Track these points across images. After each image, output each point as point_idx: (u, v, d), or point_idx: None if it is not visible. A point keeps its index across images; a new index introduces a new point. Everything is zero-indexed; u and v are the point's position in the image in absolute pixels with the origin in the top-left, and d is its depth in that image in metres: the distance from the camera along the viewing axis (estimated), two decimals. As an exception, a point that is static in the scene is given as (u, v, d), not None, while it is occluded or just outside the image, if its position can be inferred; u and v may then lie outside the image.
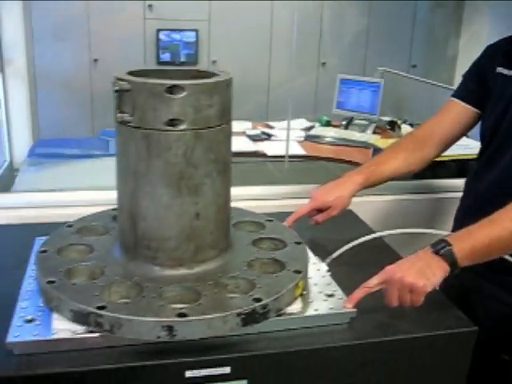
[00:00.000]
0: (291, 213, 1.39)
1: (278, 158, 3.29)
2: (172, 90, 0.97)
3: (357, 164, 3.34)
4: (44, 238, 1.27)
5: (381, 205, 1.87)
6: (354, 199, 1.42)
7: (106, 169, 3.47)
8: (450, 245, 1.09)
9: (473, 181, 1.50)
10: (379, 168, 1.45)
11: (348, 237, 1.28)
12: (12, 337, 0.95)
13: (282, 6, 5.03)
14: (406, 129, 3.72)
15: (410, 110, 4.07)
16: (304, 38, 4.57)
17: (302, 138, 3.71)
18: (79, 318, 0.96)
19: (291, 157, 3.14)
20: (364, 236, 1.25)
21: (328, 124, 3.98)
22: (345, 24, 5.27)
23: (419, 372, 1.08)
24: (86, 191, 1.76)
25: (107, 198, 1.59)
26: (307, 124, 3.96)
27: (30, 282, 1.12)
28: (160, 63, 5.34)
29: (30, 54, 5.09)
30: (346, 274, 1.20)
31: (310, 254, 1.23)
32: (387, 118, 3.92)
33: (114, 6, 5.07)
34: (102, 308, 0.95)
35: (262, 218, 1.32)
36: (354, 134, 3.77)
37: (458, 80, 4.85)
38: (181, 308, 0.96)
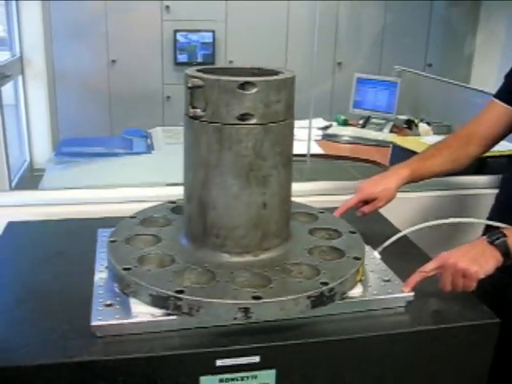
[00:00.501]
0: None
1: (297, 157, 3.34)
2: (244, 86, 1.04)
3: (375, 162, 3.39)
4: (106, 229, 1.33)
5: (402, 202, 1.84)
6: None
7: (131, 167, 3.51)
8: (505, 236, 1.14)
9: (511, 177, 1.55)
10: (425, 163, 1.51)
11: (382, 230, 1.37)
12: (96, 320, 1.01)
13: (298, 7, 5.08)
14: (423, 127, 3.74)
15: (426, 109, 4.12)
16: (320, 38, 4.63)
17: (320, 137, 3.75)
18: (158, 301, 1.02)
19: (312, 155, 3.19)
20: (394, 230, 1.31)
21: (345, 123, 4.02)
22: (360, 23, 5.32)
23: (442, 362, 1.11)
24: (119, 188, 1.81)
25: (142, 194, 1.68)
26: (324, 123, 4.00)
27: (101, 270, 1.19)
28: (177, 64, 5.41)
29: (49, 55, 5.16)
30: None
31: (362, 244, 1.29)
32: (404, 117, 3.96)
33: (131, 8, 5.14)
34: (180, 292, 1.01)
35: (314, 210, 1.38)
36: (371, 133, 3.80)
37: (474, 79, 4.88)
38: (254, 291, 1.02)
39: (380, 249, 1.29)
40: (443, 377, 1.13)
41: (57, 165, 3.43)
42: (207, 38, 5.37)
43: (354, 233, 1.27)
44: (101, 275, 1.17)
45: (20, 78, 5.11)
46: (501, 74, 1.60)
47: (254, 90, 1.04)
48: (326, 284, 1.05)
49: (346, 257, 1.16)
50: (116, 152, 3.50)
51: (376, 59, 5.26)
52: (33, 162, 5.32)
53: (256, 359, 0.99)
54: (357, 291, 1.11)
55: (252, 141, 1.06)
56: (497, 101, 1.54)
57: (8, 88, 4.77)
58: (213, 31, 5.33)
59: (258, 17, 5.16)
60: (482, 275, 1.13)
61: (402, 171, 1.47)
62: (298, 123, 3.91)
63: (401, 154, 2.76)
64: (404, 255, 1.31)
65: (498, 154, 2.28)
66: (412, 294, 1.13)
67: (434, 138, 2.82)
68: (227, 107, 1.04)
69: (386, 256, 1.28)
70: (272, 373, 1.00)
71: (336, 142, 3.72)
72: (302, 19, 5.13)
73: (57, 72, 5.25)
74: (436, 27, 5.35)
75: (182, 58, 5.42)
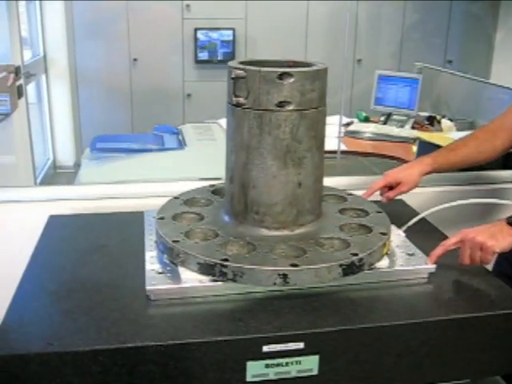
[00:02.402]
0: None
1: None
2: (282, 76, 1.15)
3: (398, 159, 3.44)
4: (151, 211, 1.46)
5: (429, 195, 1.88)
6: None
7: (164, 162, 3.56)
8: None
9: None
10: (449, 154, 1.61)
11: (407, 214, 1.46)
12: (150, 285, 1.14)
13: (317, 4, 5.17)
14: (445, 124, 3.77)
15: (448, 105, 4.16)
16: (339, 36, 4.70)
17: (342, 134, 3.82)
18: (205, 269, 1.14)
19: (332, 152, 3.27)
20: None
21: (366, 120, 4.07)
22: (380, 20, 5.39)
23: (475, 349, 1.15)
24: (153, 183, 1.85)
25: (177, 189, 1.65)
26: (346, 120, 4.06)
27: (150, 244, 1.31)
28: (198, 62, 5.52)
29: (72, 54, 5.27)
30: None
31: (388, 223, 1.39)
32: (425, 114, 3.99)
33: (152, 7, 5.24)
34: (225, 260, 1.12)
35: (343, 192, 1.49)
36: (393, 130, 3.84)
37: (494, 75, 4.89)
38: (292, 260, 1.13)
39: (404, 227, 1.40)
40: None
41: (92, 160, 3.52)
42: (227, 35, 5.46)
43: (380, 212, 1.38)
44: (151, 249, 1.29)
45: (43, 77, 5.26)
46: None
47: (292, 80, 1.16)
48: (355, 255, 1.16)
49: (374, 232, 1.27)
50: (149, 148, 3.58)
51: (396, 56, 5.33)
52: (56, 160, 5.45)
53: (301, 345, 1.04)
54: (383, 263, 1.22)
55: (289, 126, 1.18)
56: None
57: (30, 87, 4.88)
58: (233, 29, 5.42)
59: (278, 14, 5.25)
60: (497, 249, 1.22)
61: (425, 159, 1.57)
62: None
63: (427, 150, 2.80)
64: (426, 235, 1.40)
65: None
66: (434, 266, 1.23)
67: (457, 135, 2.87)
68: (267, 95, 1.16)
69: (409, 236, 1.37)
70: (315, 358, 1.06)
71: (358, 138, 3.78)
72: (321, 16, 5.23)
73: (79, 71, 5.36)
74: (456, 24, 5.38)
75: (203, 55, 5.53)
